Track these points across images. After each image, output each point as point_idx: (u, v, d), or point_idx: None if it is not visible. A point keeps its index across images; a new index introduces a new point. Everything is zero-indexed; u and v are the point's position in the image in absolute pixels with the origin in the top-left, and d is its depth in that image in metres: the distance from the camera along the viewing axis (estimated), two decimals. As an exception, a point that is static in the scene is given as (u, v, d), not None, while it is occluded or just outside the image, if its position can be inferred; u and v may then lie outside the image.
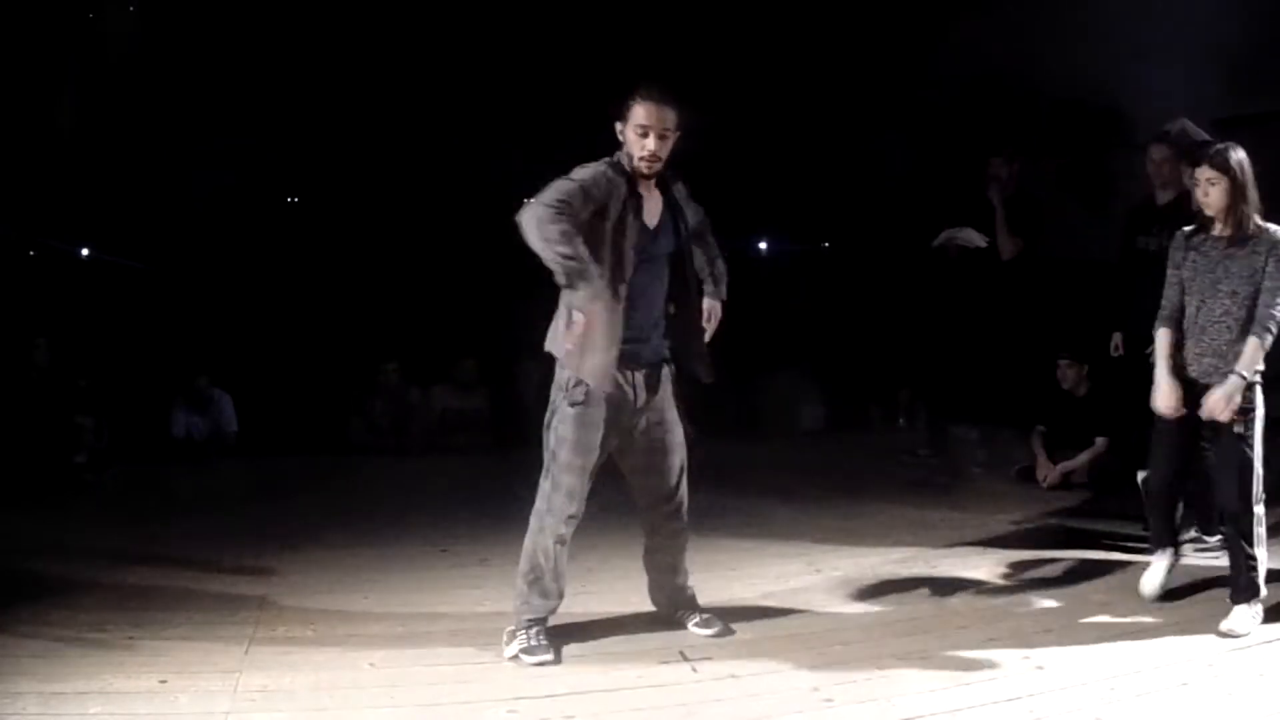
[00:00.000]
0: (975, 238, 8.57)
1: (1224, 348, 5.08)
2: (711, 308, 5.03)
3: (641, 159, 4.56)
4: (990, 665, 4.54)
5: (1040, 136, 10.76)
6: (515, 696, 4.19)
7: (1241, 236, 5.07)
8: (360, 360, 10.87)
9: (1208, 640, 4.80)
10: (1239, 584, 5.05)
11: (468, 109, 11.87)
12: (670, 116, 4.57)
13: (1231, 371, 4.99)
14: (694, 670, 4.50)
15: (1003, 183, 8.74)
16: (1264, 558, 5.04)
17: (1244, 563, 5.04)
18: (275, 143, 11.91)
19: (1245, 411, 5.04)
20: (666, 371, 4.80)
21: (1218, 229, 5.16)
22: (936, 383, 9.45)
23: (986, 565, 6.09)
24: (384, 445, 10.50)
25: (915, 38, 11.09)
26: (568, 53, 11.04)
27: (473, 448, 10.33)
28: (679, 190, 4.82)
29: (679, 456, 4.84)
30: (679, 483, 4.86)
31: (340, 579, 5.79)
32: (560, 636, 4.79)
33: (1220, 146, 5.15)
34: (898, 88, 11.41)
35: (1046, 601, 5.43)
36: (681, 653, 4.68)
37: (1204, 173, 5.12)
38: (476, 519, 7.16)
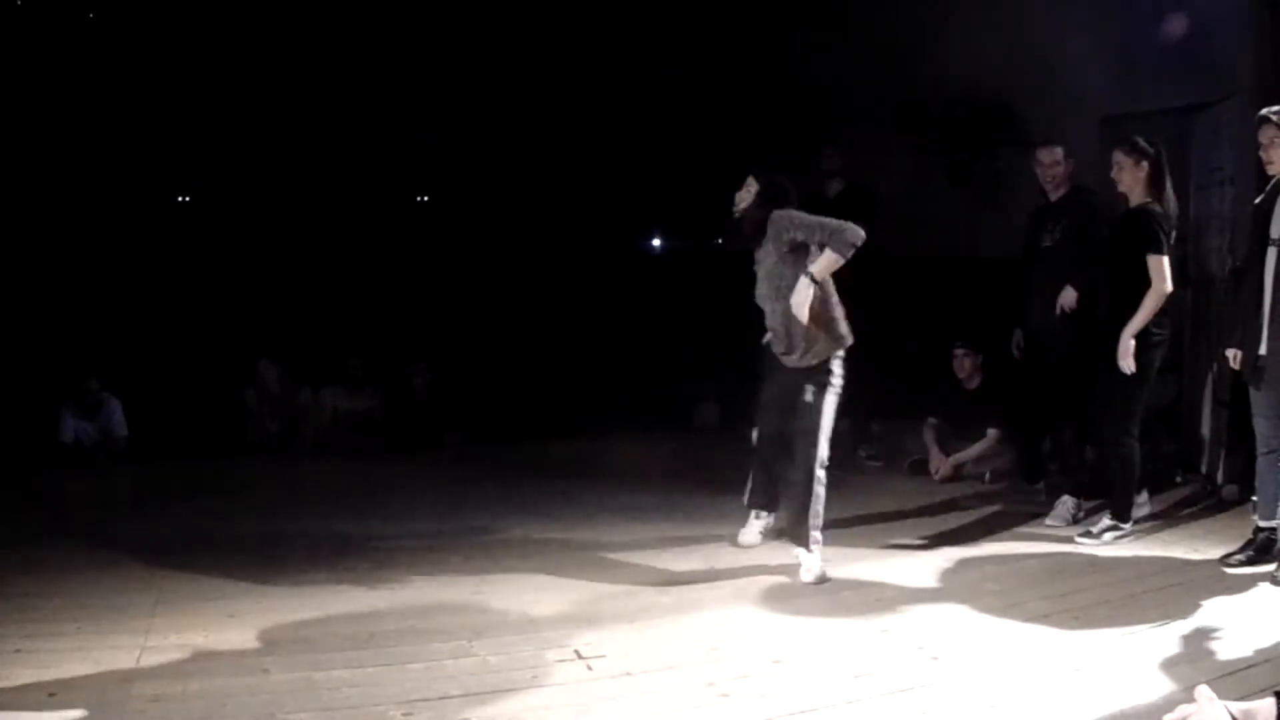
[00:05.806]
0: None
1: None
2: None
3: None
4: (885, 657, 4.63)
5: (932, 134, 10.93)
6: (411, 699, 4.19)
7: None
8: (246, 363, 10.75)
9: (1101, 627, 4.93)
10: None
11: (342, 113, 11.87)
12: None
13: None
14: (589, 669, 4.53)
15: (832, 176, 8.31)
16: (819, 510, 5.67)
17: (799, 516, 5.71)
18: (163, 143, 11.79)
19: (821, 384, 5.63)
20: None
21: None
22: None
23: (879, 557, 6.20)
24: (275, 448, 10.40)
25: (806, 33, 11.21)
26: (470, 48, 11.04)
27: (364, 448, 10.25)
28: None
29: None
30: None
31: (233, 584, 5.73)
32: (451, 639, 4.82)
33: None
34: (793, 85, 11.52)
35: (941, 592, 5.53)
36: (576, 651, 4.71)
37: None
38: (368, 521, 7.12)
